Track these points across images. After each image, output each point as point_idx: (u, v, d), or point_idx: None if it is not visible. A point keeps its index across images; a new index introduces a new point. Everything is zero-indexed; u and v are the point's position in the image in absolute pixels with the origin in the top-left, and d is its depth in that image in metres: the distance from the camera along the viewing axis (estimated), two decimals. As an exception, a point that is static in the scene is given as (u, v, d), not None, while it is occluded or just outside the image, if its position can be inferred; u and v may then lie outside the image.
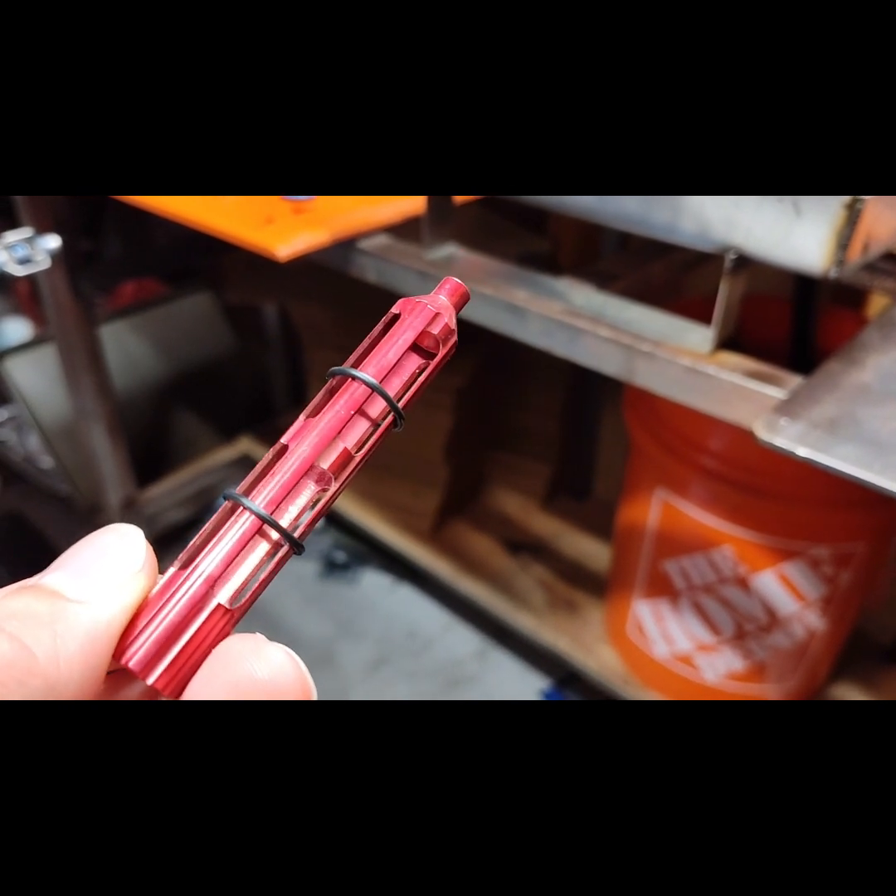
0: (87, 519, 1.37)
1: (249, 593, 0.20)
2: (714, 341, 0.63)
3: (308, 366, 1.44)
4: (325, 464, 0.21)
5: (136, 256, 1.38)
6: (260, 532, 0.20)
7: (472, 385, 1.27)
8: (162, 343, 1.49)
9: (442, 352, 0.22)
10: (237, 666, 0.19)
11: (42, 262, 0.86)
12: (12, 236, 0.84)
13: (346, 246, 0.79)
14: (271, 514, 0.20)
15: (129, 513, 1.32)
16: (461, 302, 0.23)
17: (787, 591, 0.95)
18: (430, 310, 0.22)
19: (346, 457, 0.21)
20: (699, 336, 0.64)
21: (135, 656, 0.19)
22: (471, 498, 1.42)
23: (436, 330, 0.22)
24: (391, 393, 0.21)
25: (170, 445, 1.51)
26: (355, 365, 0.21)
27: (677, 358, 0.63)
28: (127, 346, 1.45)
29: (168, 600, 0.19)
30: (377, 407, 0.21)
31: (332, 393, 0.21)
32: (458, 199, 0.79)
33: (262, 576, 0.21)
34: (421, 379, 0.22)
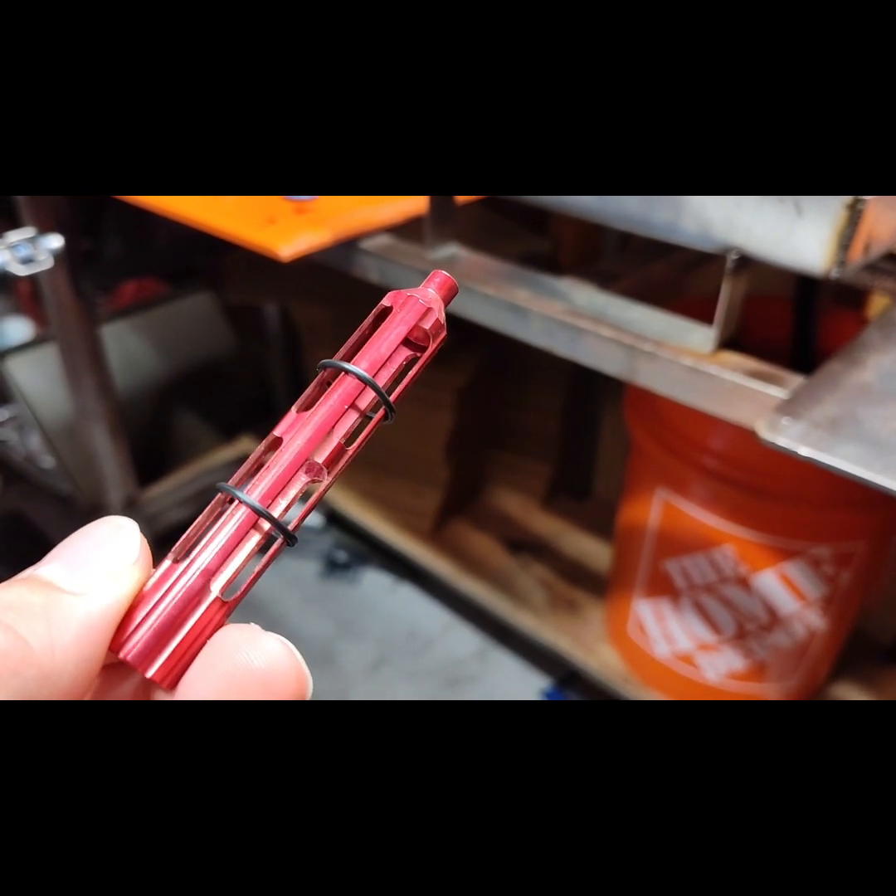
0: (89, 518, 1.37)
1: (244, 585, 0.20)
2: (716, 341, 0.63)
3: (309, 366, 1.44)
4: (319, 457, 0.21)
5: (136, 256, 1.38)
6: (254, 525, 0.20)
7: (473, 385, 1.28)
8: (163, 343, 1.49)
9: (432, 345, 0.22)
10: (233, 656, 0.19)
11: (44, 262, 0.86)
12: (15, 236, 0.84)
13: (348, 246, 0.79)
14: (266, 507, 0.20)
15: (130, 512, 1.32)
16: (450, 295, 0.23)
17: (788, 591, 0.95)
18: (420, 304, 0.22)
19: (339, 450, 0.21)
20: (701, 336, 0.64)
21: (133, 650, 0.19)
22: (471, 497, 1.43)
23: (427, 324, 0.22)
24: (382, 386, 0.22)
25: (171, 445, 1.51)
26: (346, 358, 0.22)
27: (679, 358, 0.63)
28: (128, 346, 1.45)
29: (165, 594, 0.19)
30: (369, 401, 0.22)
31: (323, 386, 0.22)
32: (460, 199, 0.79)
33: (257, 568, 0.21)
34: (411, 372, 0.22)
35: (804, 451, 0.52)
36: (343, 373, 0.21)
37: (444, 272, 0.24)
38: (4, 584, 0.18)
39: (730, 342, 0.65)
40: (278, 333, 1.59)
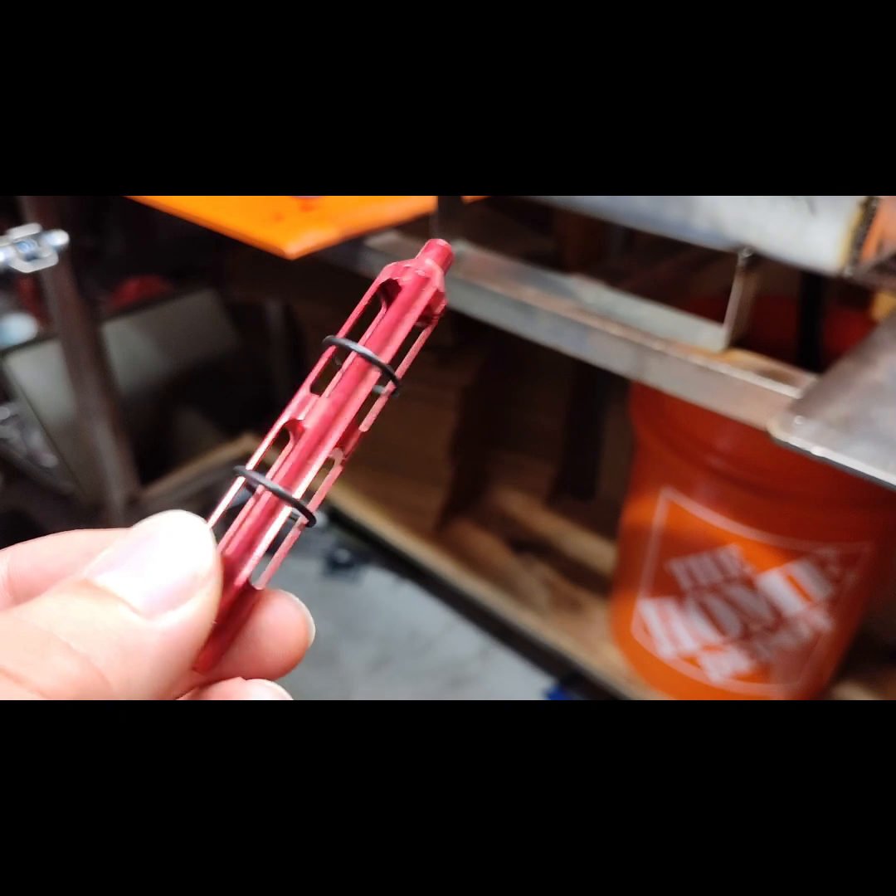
0: (90, 517, 1.37)
1: (269, 569, 0.21)
2: (726, 340, 0.63)
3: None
4: (333, 437, 0.21)
5: (139, 254, 1.38)
6: (274, 508, 0.20)
7: (477, 384, 1.27)
8: (165, 341, 1.49)
9: (434, 316, 0.23)
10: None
11: (49, 259, 0.85)
12: (19, 233, 0.84)
13: (354, 243, 0.79)
14: (288, 490, 0.20)
15: (131, 511, 1.31)
16: (447, 263, 0.24)
17: (794, 592, 0.95)
18: (419, 275, 0.22)
19: (353, 430, 0.21)
20: (711, 334, 0.64)
21: None
22: (474, 497, 1.42)
23: (427, 295, 0.23)
24: (388, 360, 0.22)
25: (173, 443, 1.50)
26: (352, 335, 0.22)
27: (689, 356, 0.63)
28: (130, 344, 1.44)
29: None
30: (376, 376, 0.22)
31: (332, 364, 0.22)
32: (467, 197, 0.79)
33: (281, 550, 0.21)
34: (416, 344, 0.23)
35: (817, 450, 0.52)
36: (356, 355, 0.22)
37: (440, 241, 0.24)
38: (67, 590, 0.17)
39: (738, 342, 0.65)
40: (281, 331, 1.59)
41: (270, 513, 0.20)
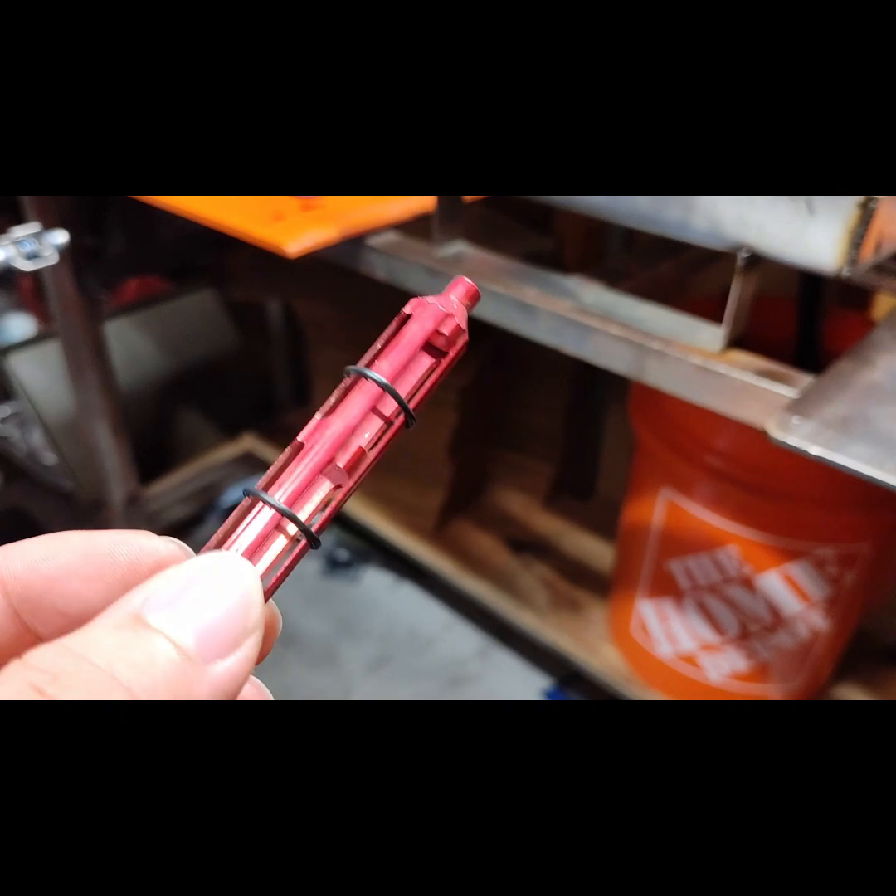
0: (90, 515, 1.37)
1: (268, 586, 0.20)
2: (725, 340, 0.63)
3: (312, 363, 1.44)
4: (341, 462, 0.21)
5: (140, 253, 1.38)
6: (278, 527, 0.20)
7: (477, 383, 1.27)
8: (166, 340, 1.49)
9: (452, 352, 0.23)
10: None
11: (50, 258, 0.85)
12: (20, 231, 0.84)
13: (355, 243, 0.79)
14: (290, 508, 0.20)
15: (131, 509, 1.32)
16: (472, 302, 0.24)
17: (792, 592, 0.95)
18: (440, 310, 0.22)
19: (360, 455, 0.21)
20: (710, 334, 0.64)
21: None
22: (474, 496, 1.42)
23: (447, 330, 0.22)
24: (403, 392, 0.22)
25: (173, 442, 1.51)
26: (369, 364, 0.22)
27: (688, 356, 0.63)
28: (131, 343, 1.44)
29: None
30: (390, 406, 0.22)
31: (346, 391, 0.22)
32: (467, 197, 0.79)
33: (280, 570, 0.21)
34: (432, 378, 0.23)
35: (815, 450, 0.52)
36: (363, 379, 0.22)
37: (467, 279, 0.24)
38: (123, 623, 0.17)
39: (737, 342, 0.65)
40: (281, 331, 1.59)
41: (270, 530, 0.20)
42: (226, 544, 0.20)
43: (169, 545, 0.20)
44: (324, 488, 0.21)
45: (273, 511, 0.20)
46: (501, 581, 1.26)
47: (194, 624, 0.17)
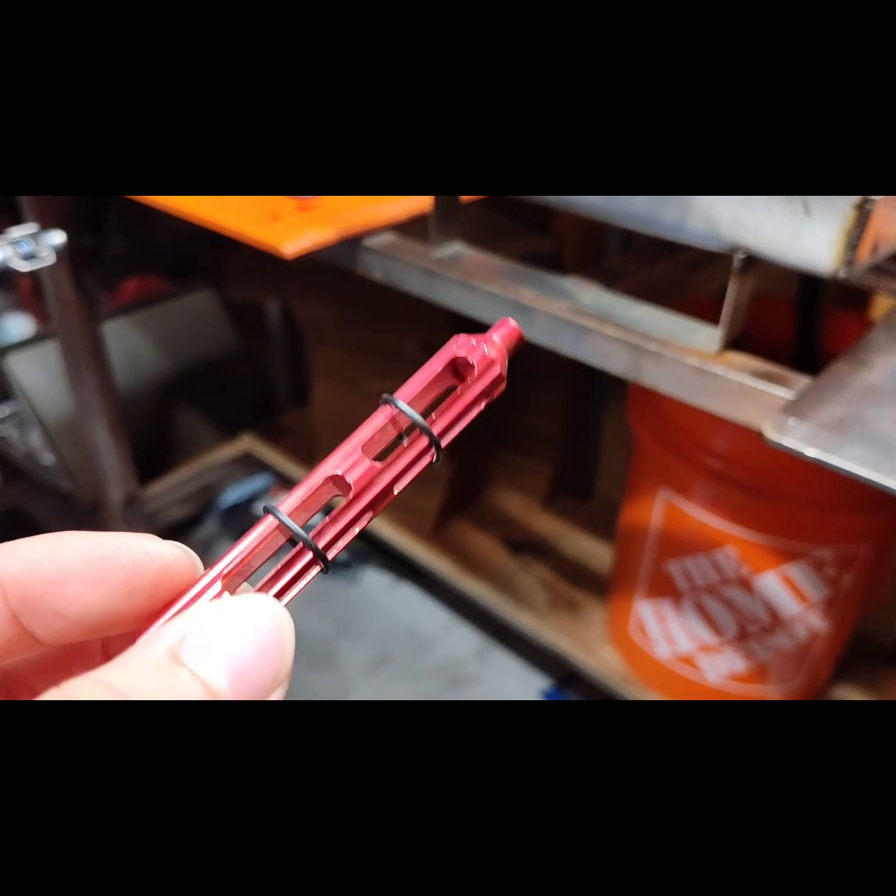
0: (89, 516, 1.37)
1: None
2: (722, 341, 0.63)
3: (310, 363, 1.43)
4: (351, 476, 0.21)
5: (138, 253, 1.38)
6: (301, 556, 0.21)
7: (475, 384, 1.27)
8: (164, 340, 1.49)
9: (481, 384, 0.23)
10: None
11: (47, 258, 0.85)
12: (17, 232, 0.84)
13: (352, 243, 0.79)
14: (315, 541, 0.21)
15: (130, 510, 1.32)
16: (514, 343, 0.24)
17: (790, 593, 0.95)
18: (472, 343, 0.22)
19: (371, 472, 0.21)
20: (706, 336, 0.64)
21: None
22: (472, 497, 1.42)
23: (474, 360, 0.22)
24: (423, 415, 0.22)
25: (171, 442, 1.51)
26: (409, 399, 0.22)
27: (685, 357, 0.63)
28: (129, 343, 1.44)
29: (192, 600, 0.20)
30: (429, 453, 0.22)
31: (371, 416, 0.22)
32: (463, 197, 0.79)
33: (281, 584, 0.21)
34: (463, 423, 0.23)
35: (811, 452, 0.52)
36: (387, 404, 0.22)
37: (512, 321, 0.24)
38: (161, 665, 0.17)
39: (734, 343, 0.65)
40: (280, 331, 1.59)
41: (299, 565, 0.21)
42: (245, 563, 0.20)
43: (174, 550, 0.20)
44: (356, 530, 0.22)
45: (277, 523, 0.20)
46: (500, 581, 1.26)
47: (230, 670, 0.17)
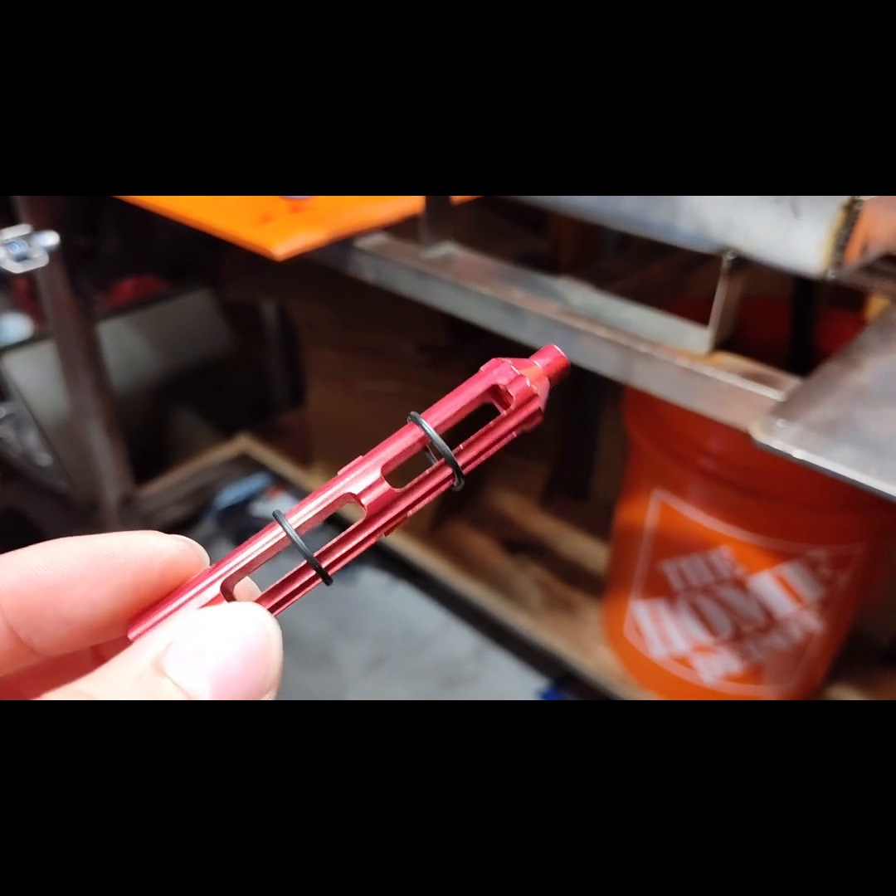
0: (85, 516, 1.37)
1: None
2: (711, 342, 0.63)
3: (306, 364, 1.43)
4: (366, 494, 0.20)
5: (134, 254, 1.38)
6: (305, 570, 0.20)
7: (471, 384, 1.27)
8: (160, 340, 1.49)
9: (518, 416, 0.22)
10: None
11: (40, 260, 0.85)
12: (10, 233, 0.84)
13: (343, 244, 0.79)
14: (324, 557, 0.20)
15: (126, 510, 1.32)
16: (558, 373, 0.22)
17: (785, 593, 0.95)
18: (513, 370, 0.22)
19: (389, 495, 0.21)
20: (697, 337, 0.64)
21: (137, 634, 0.19)
22: (469, 497, 1.42)
23: (514, 390, 0.21)
24: (452, 448, 0.21)
25: (168, 443, 1.51)
26: (429, 412, 0.22)
27: (674, 359, 0.63)
28: (125, 344, 1.44)
29: (190, 598, 0.20)
30: (449, 480, 0.21)
31: (398, 433, 0.21)
32: (456, 198, 0.79)
33: (278, 594, 0.21)
34: (490, 451, 0.22)
35: (799, 453, 0.52)
36: (413, 423, 0.21)
37: (558, 349, 0.22)
38: (143, 676, 0.17)
39: (726, 343, 0.65)
40: (276, 331, 1.59)
41: (301, 580, 0.20)
42: (247, 571, 0.20)
43: (180, 544, 0.20)
44: (362, 549, 0.21)
45: (284, 534, 0.20)
46: (496, 582, 1.26)
47: (212, 681, 0.17)
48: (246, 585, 0.21)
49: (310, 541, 0.20)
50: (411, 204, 0.81)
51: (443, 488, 0.21)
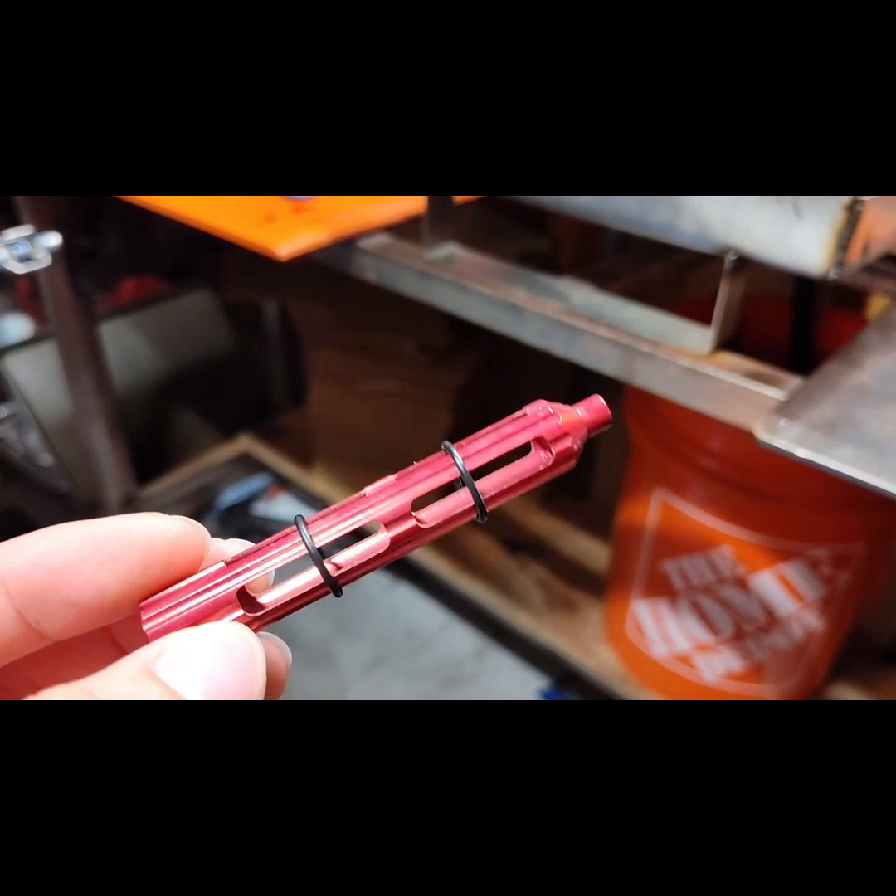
0: (87, 516, 1.37)
1: (274, 606, 0.21)
2: (713, 342, 0.63)
3: (307, 364, 1.44)
4: (392, 527, 0.21)
5: (136, 254, 1.38)
6: (317, 587, 0.21)
7: (471, 384, 1.27)
8: (162, 340, 1.49)
9: (552, 470, 0.21)
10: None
11: (42, 260, 0.86)
12: (13, 234, 0.84)
13: (346, 245, 0.79)
14: (320, 549, 0.20)
15: (128, 510, 1.32)
16: (598, 426, 0.22)
17: (786, 592, 0.95)
18: (557, 426, 0.21)
19: (414, 530, 0.21)
20: (699, 336, 0.64)
21: (153, 628, 0.20)
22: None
23: (555, 448, 0.21)
24: (481, 485, 0.21)
25: (169, 443, 1.51)
26: (463, 447, 0.21)
27: (676, 358, 0.63)
28: (127, 344, 1.45)
29: (202, 592, 0.20)
30: (471, 513, 0.21)
31: (430, 465, 0.21)
32: (458, 198, 0.79)
33: (290, 596, 0.21)
34: (515, 481, 0.21)
35: (801, 452, 0.52)
36: (446, 455, 0.21)
37: (601, 401, 0.22)
38: (137, 679, 0.18)
39: (728, 343, 0.65)
40: (277, 331, 1.59)
41: (315, 593, 0.21)
42: (251, 561, 0.20)
43: (182, 524, 0.21)
44: (365, 545, 0.21)
45: (304, 548, 0.20)
46: (497, 581, 1.26)
47: (204, 688, 0.18)
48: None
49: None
50: (413, 204, 0.82)
51: (464, 521, 0.21)
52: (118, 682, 0.17)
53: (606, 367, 0.67)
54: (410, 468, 0.21)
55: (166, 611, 0.20)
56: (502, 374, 1.34)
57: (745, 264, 0.60)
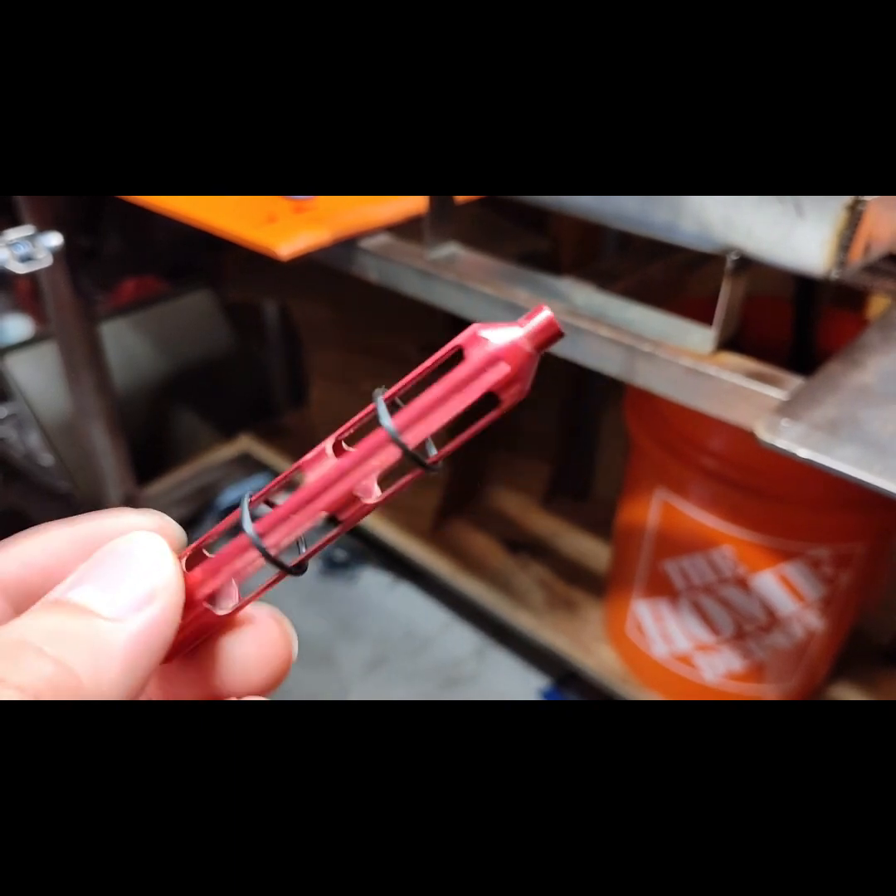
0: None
1: (236, 604, 0.21)
2: (715, 342, 0.63)
3: (308, 364, 1.44)
4: (332, 501, 0.20)
5: (136, 254, 1.38)
6: (257, 550, 0.20)
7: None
8: (162, 341, 1.49)
9: (501, 407, 0.19)
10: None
11: (43, 260, 0.86)
12: (14, 234, 0.84)
13: (347, 245, 0.79)
14: (266, 534, 0.20)
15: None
16: (546, 340, 0.19)
17: (787, 592, 0.95)
18: (492, 353, 0.18)
19: (354, 500, 0.20)
20: (700, 336, 0.64)
21: None
22: (470, 497, 1.42)
23: (493, 378, 0.19)
24: (422, 437, 0.19)
25: (169, 443, 1.51)
26: (392, 397, 0.20)
27: (678, 358, 0.63)
28: (127, 344, 1.45)
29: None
30: (399, 455, 0.19)
31: (365, 422, 0.20)
32: (459, 198, 0.79)
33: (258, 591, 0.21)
34: (469, 431, 0.20)
35: (803, 452, 0.52)
36: (381, 428, 0.19)
37: (547, 310, 0.18)
38: (39, 608, 0.18)
39: (729, 343, 0.65)
40: (278, 331, 1.59)
41: (241, 552, 0.20)
42: (204, 554, 0.21)
43: (155, 519, 0.21)
44: (305, 524, 0.21)
45: (247, 536, 0.20)
46: (498, 581, 1.26)
47: (106, 590, 0.18)
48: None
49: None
50: (415, 204, 0.82)
51: (389, 462, 0.19)
52: (23, 619, 0.18)
53: (608, 368, 0.67)
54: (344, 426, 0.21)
55: None
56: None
57: (746, 264, 0.60)
